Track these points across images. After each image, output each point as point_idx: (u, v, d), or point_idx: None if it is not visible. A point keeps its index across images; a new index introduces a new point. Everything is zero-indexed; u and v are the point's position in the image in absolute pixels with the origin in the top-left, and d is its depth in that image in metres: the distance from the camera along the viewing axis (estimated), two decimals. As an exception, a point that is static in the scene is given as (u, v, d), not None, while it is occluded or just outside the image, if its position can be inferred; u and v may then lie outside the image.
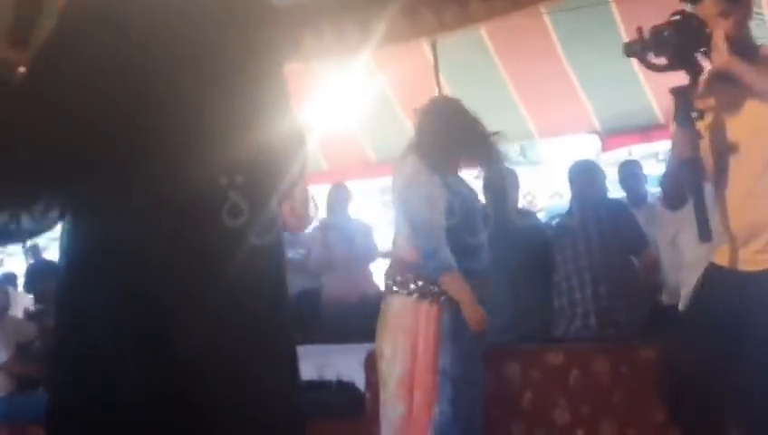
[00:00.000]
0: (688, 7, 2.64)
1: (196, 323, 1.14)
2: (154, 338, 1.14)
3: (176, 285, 1.13)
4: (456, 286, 3.45)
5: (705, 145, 2.62)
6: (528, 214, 5.36)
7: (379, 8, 5.35)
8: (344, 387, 4.69)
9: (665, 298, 4.44)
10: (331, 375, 4.79)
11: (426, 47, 6.43)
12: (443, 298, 3.46)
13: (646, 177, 5.53)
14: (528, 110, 6.75)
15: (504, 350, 4.16)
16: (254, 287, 1.21)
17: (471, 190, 3.74)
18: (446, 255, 3.44)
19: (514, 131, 7.07)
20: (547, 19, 6.06)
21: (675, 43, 2.54)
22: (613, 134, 6.82)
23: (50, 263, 6.33)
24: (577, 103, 6.63)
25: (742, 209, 2.63)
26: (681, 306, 4.09)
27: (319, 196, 6.23)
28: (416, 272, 3.50)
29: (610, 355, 4.04)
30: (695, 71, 2.58)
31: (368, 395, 4.46)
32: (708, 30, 2.56)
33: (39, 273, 5.86)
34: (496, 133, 3.67)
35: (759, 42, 2.71)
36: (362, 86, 6.54)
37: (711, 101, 2.63)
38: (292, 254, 5.63)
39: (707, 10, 2.60)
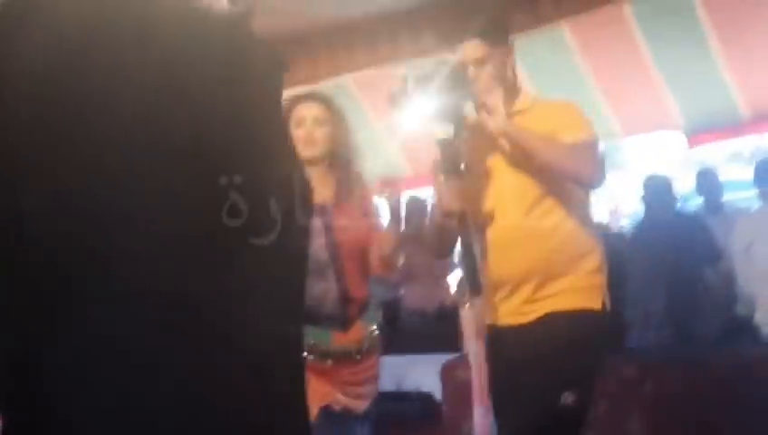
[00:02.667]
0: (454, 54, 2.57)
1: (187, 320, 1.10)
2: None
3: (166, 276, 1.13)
4: None
5: (469, 197, 2.55)
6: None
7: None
8: (421, 398, 4.78)
9: (740, 309, 4.38)
10: (410, 387, 4.88)
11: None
12: None
13: (722, 184, 5.46)
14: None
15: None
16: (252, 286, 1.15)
17: None
18: None
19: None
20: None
21: (442, 95, 2.45)
22: (698, 132, 6.68)
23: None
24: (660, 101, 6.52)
25: (504, 262, 2.56)
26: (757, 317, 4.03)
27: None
28: None
29: (684, 367, 4.01)
30: (460, 123, 2.49)
31: (444, 407, 4.53)
32: (474, 81, 2.49)
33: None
34: None
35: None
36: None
37: (476, 155, 2.59)
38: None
39: (466, 55, 2.53)
